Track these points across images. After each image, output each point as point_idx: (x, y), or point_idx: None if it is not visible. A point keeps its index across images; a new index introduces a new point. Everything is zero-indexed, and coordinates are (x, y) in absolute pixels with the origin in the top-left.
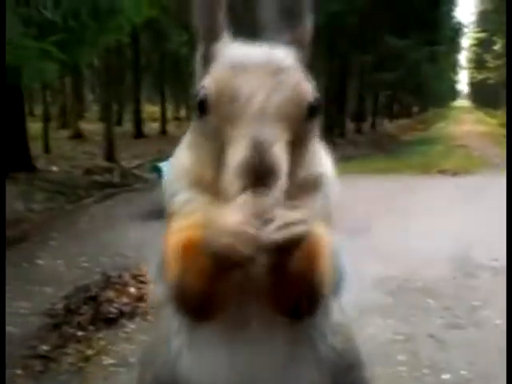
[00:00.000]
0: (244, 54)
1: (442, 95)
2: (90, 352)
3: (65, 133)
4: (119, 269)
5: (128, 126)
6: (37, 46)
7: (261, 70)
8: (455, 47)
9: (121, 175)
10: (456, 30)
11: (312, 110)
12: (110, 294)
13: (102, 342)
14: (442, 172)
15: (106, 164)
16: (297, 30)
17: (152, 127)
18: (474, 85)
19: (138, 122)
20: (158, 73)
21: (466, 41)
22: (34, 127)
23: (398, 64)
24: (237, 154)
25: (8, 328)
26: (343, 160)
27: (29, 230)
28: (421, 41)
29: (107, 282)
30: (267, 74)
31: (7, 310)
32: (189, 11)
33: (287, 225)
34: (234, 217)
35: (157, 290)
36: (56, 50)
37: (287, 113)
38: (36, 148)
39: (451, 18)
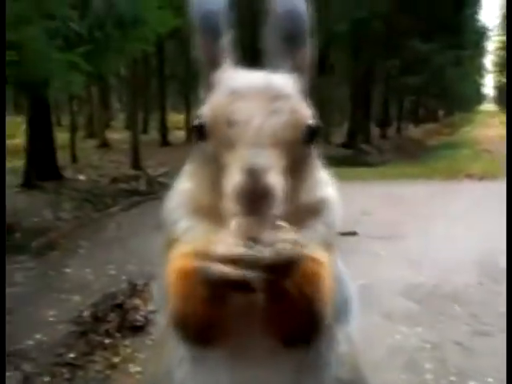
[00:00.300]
0: (242, 80)
1: (467, 99)
2: (116, 360)
3: (92, 142)
4: (146, 277)
5: (154, 134)
6: (64, 58)
7: (258, 95)
8: (480, 51)
9: (147, 183)
10: (481, 34)
11: (310, 135)
12: (137, 301)
13: (129, 350)
14: (469, 176)
15: (132, 172)
16: (297, 56)
17: (177, 135)
18: (499, 88)
19: (164, 130)
20: (183, 81)
21: (492, 44)
22: (62, 137)
23: (422, 68)
24: (232, 179)
25: (36, 336)
26: (368, 166)
27: (57, 238)
28: (445, 45)
29: (134, 289)
30: (264, 100)
31: (35, 318)
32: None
33: (276, 244)
34: (224, 242)
35: (159, 318)
36: (82, 62)
37: (284, 138)
38: (63, 157)
39: (476, 21)
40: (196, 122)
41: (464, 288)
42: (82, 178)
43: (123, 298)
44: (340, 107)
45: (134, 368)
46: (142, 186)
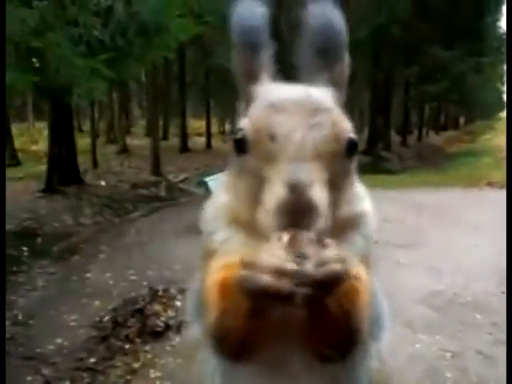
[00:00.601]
0: (281, 94)
1: (488, 106)
2: (136, 365)
3: (112, 148)
4: (166, 282)
5: (174, 140)
6: (86, 64)
7: (298, 109)
8: (501, 58)
9: (167, 189)
10: (502, 41)
11: (350, 149)
12: (157, 307)
13: (149, 355)
14: (490, 184)
15: (152, 178)
16: (334, 70)
17: (197, 141)
18: None
19: (184, 136)
20: (204, 87)
21: None
22: (83, 143)
23: (443, 75)
24: (275, 193)
25: (57, 340)
26: (389, 173)
27: (78, 243)
28: (466, 52)
29: (154, 295)
30: (305, 114)
31: (57, 322)
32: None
33: (326, 262)
34: (272, 254)
35: (193, 330)
36: (104, 68)
37: (325, 152)
38: (84, 163)
39: (496, 28)
40: (237, 136)
41: (485, 296)
42: (102, 183)
43: (143, 303)
44: (360, 114)
45: (154, 373)
46: (161, 191)
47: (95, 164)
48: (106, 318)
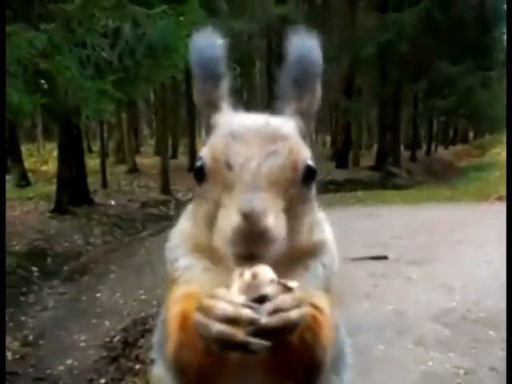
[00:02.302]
0: (240, 123)
1: (497, 120)
2: None
3: (122, 167)
4: None
5: (183, 159)
6: (94, 86)
7: (255, 138)
8: None
9: (176, 207)
10: None
11: (309, 176)
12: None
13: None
14: (501, 199)
15: (161, 197)
16: (303, 100)
17: None
18: None
19: (193, 154)
20: None
21: None
22: (92, 163)
23: (451, 90)
24: (229, 221)
25: (67, 361)
26: (398, 189)
27: (88, 263)
28: (473, 66)
29: None
30: (262, 142)
31: (67, 342)
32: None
33: (283, 309)
34: (228, 300)
35: (157, 363)
36: (112, 89)
37: (281, 179)
38: (94, 183)
39: (503, 41)
40: (196, 164)
41: (497, 312)
42: (112, 202)
43: (153, 322)
44: (369, 130)
45: None
46: (171, 210)
47: (105, 184)
48: (116, 339)
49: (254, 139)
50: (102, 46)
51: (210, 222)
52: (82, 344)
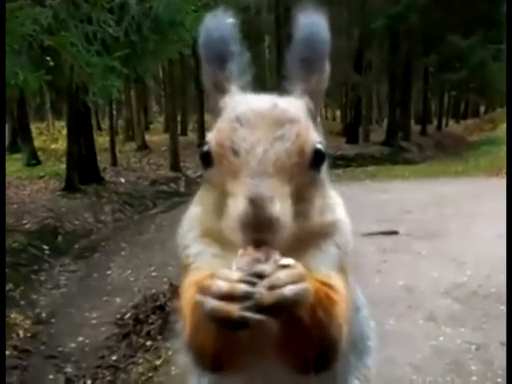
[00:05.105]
0: (247, 106)
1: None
2: (158, 362)
3: (131, 145)
4: None
5: (192, 136)
6: (101, 62)
7: (262, 122)
8: None
9: (186, 184)
10: None
11: (318, 159)
12: (178, 303)
13: (170, 352)
14: None
15: (171, 174)
16: (311, 80)
17: None
18: None
19: (202, 131)
20: None
21: None
22: (102, 141)
23: (462, 63)
24: (236, 208)
25: (79, 338)
26: (409, 163)
27: (99, 241)
28: (484, 39)
29: (175, 291)
30: (268, 127)
31: (78, 320)
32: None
33: (278, 285)
34: (225, 277)
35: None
36: (119, 65)
37: (288, 165)
38: (104, 161)
39: None
40: (203, 149)
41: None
42: (122, 180)
43: (164, 299)
44: (379, 105)
45: (175, 370)
46: (181, 187)
47: (114, 161)
48: (128, 315)
49: (261, 123)
50: (108, 21)
51: (218, 207)
52: (94, 321)
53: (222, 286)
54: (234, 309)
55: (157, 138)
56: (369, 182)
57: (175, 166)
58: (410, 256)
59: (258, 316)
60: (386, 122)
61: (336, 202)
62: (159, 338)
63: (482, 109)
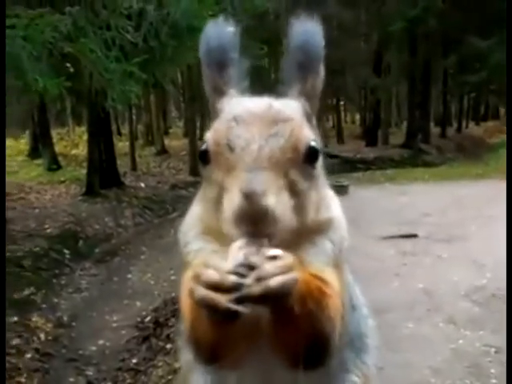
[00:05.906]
0: (243, 106)
1: None
2: (177, 365)
3: (151, 149)
4: None
5: None
6: (120, 68)
7: (257, 121)
8: None
9: None
10: None
11: (311, 156)
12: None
13: None
14: None
15: (190, 178)
16: (307, 82)
17: None
18: None
19: None
20: None
21: None
22: (122, 145)
23: (481, 65)
24: (231, 202)
25: (100, 341)
26: (428, 166)
27: (119, 245)
28: (503, 40)
29: None
30: (263, 125)
31: (99, 323)
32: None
33: (266, 276)
34: (216, 267)
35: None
36: (138, 71)
37: (282, 160)
38: (124, 165)
39: None
40: (201, 148)
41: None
42: (142, 185)
43: None
44: (398, 107)
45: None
46: None
47: (134, 166)
48: (148, 319)
49: (256, 122)
50: (127, 27)
51: (216, 204)
52: (114, 324)
53: (212, 275)
54: (223, 299)
55: (176, 142)
56: (388, 184)
57: (194, 171)
58: (429, 259)
59: (244, 307)
60: (405, 124)
61: (332, 199)
62: (177, 348)
63: (503, 110)
